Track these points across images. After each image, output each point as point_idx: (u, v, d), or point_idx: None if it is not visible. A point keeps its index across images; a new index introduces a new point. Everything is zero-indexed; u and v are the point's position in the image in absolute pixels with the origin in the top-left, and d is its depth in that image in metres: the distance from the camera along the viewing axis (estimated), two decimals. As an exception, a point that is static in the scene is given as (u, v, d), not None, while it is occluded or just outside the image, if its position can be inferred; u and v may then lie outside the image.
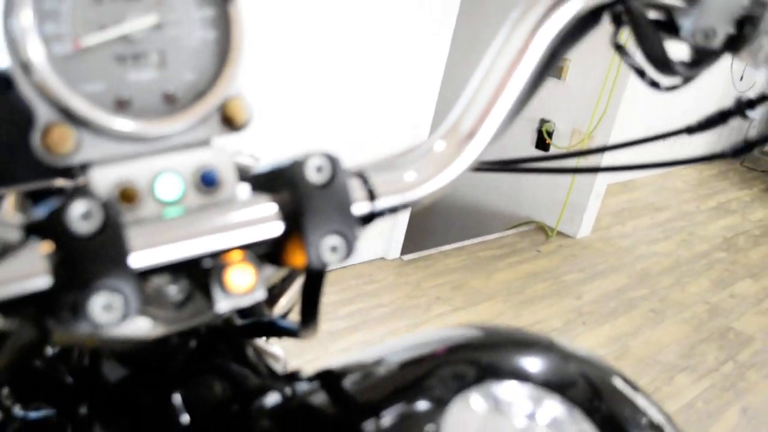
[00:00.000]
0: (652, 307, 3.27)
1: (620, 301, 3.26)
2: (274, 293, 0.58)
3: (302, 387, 0.45)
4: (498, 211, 4.05)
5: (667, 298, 3.38)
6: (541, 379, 0.42)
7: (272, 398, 0.44)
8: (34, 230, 0.33)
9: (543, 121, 3.77)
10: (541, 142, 3.78)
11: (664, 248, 3.94)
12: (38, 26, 0.35)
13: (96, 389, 0.50)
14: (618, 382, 0.47)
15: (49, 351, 0.52)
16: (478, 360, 0.44)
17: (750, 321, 3.34)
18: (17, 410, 0.54)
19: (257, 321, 0.51)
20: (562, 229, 3.82)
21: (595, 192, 3.75)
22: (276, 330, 0.49)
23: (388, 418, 0.40)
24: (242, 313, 0.55)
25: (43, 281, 0.32)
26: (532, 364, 0.44)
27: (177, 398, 0.46)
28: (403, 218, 2.97)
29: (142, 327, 0.40)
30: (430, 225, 4.24)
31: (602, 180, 3.76)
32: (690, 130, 0.60)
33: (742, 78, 5.54)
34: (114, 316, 0.32)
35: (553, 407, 0.40)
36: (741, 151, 0.57)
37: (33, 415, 0.55)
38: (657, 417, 0.45)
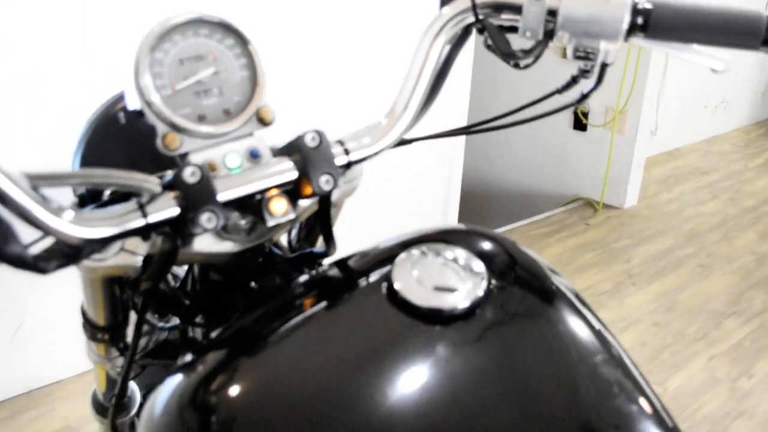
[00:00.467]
0: (700, 262, 3.46)
1: (668, 261, 3.46)
2: (302, 236, 0.88)
3: (322, 269, 0.74)
4: (546, 193, 4.29)
5: (714, 253, 3.56)
6: (471, 248, 0.70)
7: (306, 277, 0.74)
8: (167, 186, 0.63)
9: (578, 103, 4.00)
10: (579, 123, 4.01)
11: (710, 208, 4.11)
12: (153, 82, 0.65)
13: (203, 294, 0.81)
14: (534, 263, 0.73)
15: (171, 279, 0.83)
16: (435, 237, 0.72)
17: (798, 265, 3.50)
18: (157, 323, 0.85)
19: (302, 252, 0.81)
20: (609, 201, 4.03)
21: (636, 164, 3.95)
22: (312, 256, 0.79)
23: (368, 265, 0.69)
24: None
25: (174, 210, 0.62)
26: (472, 242, 0.72)
27: (252, 286, 0.76)
28: (454, 205, 3.23)
29: (227, 246, 0.70)
30: (483, 211, 4.49)
31: (641, 152, 3.96)
32: (558, 91, 0.86)
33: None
34: (212, 225, 0.62)
35: (465, 256, 0.68)
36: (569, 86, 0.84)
37: (167, 325, 0.86)
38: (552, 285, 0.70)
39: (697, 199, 4.24)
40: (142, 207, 0.61)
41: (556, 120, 4.07)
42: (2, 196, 0.53)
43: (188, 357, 0.67)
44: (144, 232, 0.62)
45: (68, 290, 2.18)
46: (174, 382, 0.65)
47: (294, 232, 0.88)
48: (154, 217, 0.61)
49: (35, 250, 0.59)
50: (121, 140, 0.89)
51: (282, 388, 0.61)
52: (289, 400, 0.59)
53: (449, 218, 3.34)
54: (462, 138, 3.14)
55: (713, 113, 5.40)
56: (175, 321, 0.85)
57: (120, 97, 0.89)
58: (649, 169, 4.53)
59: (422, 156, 2.98)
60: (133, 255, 0.68)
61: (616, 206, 4.05)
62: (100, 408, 1.12)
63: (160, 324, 0.85)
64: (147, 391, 0.94)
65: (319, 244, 0.85)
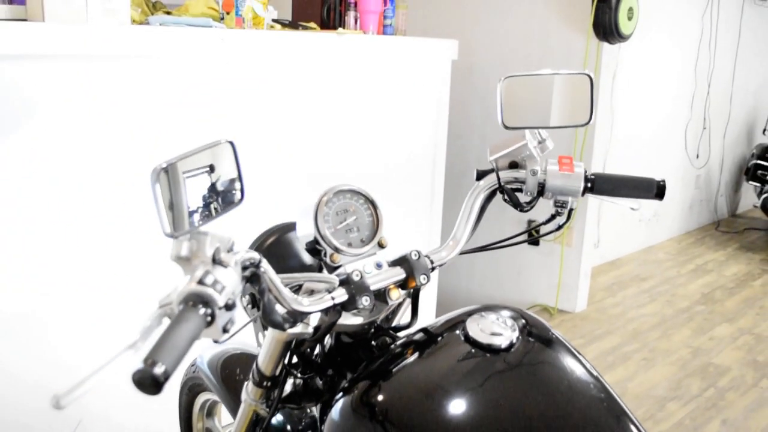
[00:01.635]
0: (643, 356, 4.00)
1: (616, 356, 3.99)
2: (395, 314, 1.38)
3: (415, 330, 1.25)
4: (507, 301, 4.82)
5: (655, 348, 4.11)
6: (506, 313, 1.22)
7: (404, 338, 1.24)
8: (341, 282, 1.14)
9: (530, 222, 4.61)
10: (532, 240, 4.61)
11: (650, 310, 4.69)
12: (325, 224, 1.17)
13: (336, 356, 1.30)
14: (543, 327, 1.25)
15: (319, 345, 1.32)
16: (484, 308, 1.23)
17: (727, 356, 4.06)
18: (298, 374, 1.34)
19: (398, 326, 1.32)
20: (562, 306, 4.59)
21: (583, 272, 4.54)
22: (402, 327, 1.30)
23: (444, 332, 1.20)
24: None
25: (344, 297, 1.13)
26: (507, 311, 1.23)
27: (369, 351, 1.26)
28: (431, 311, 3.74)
29: (358, 320, 1.21)
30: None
31: (587, 262, 4.56)
32: (543, 223, 1.40)
33: (698, 156, 6.42)
34: (368, 303, 1.12)
35: (504, 317, 1.19)
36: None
37: (304, 376, 1.34)
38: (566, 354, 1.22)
39: (638, 302, 4.82)
40: (329, 292, 1.12)
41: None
42: (271, 289, 1.04)
43: (352, 384, 1.16)
44: (327, 309, 1.13)
45: (121, 394, 2.62)
46: (344, 399, 1.14)
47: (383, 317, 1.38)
48: (337, 300, 1.12)
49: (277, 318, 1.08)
50: (284, 252, 1.40)
51: (410, 400, 1.10)
52: (416, 408, 1.09)
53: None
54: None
55: (647, 226, 6.08)
56: (314, 375, 1.34)
57: (288, 225, 1.39)
58: (596, 278, 5.12)
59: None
60: (307, 326, 1.18)
61: (569, 311, 4.60)
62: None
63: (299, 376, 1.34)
64: None
65: (404, 320, 1.36)
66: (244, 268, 1.00)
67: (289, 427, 1.60)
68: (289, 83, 2.93)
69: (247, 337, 1.38)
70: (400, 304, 1.33)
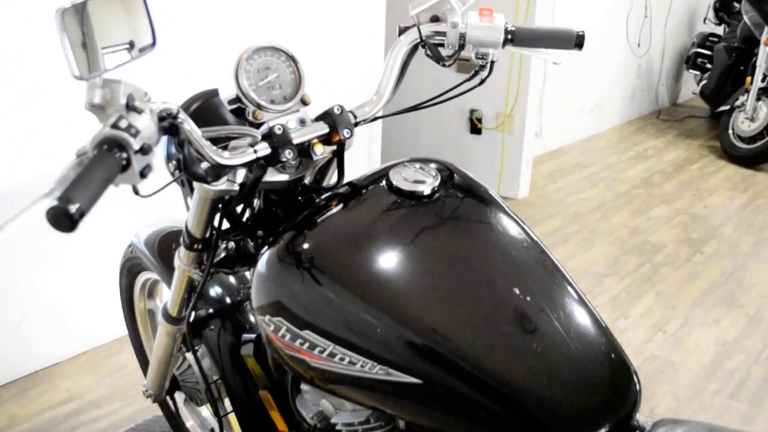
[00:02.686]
0: (583, 237, 4.12)
1: (557, 237, 4.10)
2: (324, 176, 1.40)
3: (342, 184, 1.26)
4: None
5: (595, 229, 4.23)
6: (430, 164, 1.24)
7: (323, 196, 1.26)
8: (263, 137, 1.14)
9: (472, 111, 4.64)
10: (474, 128, 4.64)
11: (591, 194, 4.80)
12: (246, 81, 1.16)
13: (266, 217, 1.32)
14: (467, 176, 1.27)
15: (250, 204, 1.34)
16: (409, 161, 1.25)
17: (663, 234, 4.19)
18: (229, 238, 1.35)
19: (325, 186, 1.33)
20: (505, 194, 4.66)
21: (524, 160, 4.60)
22: (329, 188, 1.32)
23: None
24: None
25: (267, 150, 1.14)
26: (431, 162, 1.25)
27: (297, 210, 1.28)
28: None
29: (284, 177, 1.22)
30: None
31: (528, 150, 4.61)
32: (468, 79, 1.41)
33: (639, 45, 6.45)
34: (291, 156, 1.13)
35: (428, 167, 1.21)
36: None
37: (234, 239, 1.36)
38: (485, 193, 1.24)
39: (579, 188, 4.92)
40: (252, 146, 1.13)
41: (455, 126, 4.69)
42: (191, 141, 1.04)
43: (280, 234, 1.18)
44: (250, 164, 1.13)
45: (64, 284, 2.62)
46: (270, 251, 1.16)
47: (310, 177, 1.40)
48: (260, 153, 1.13)
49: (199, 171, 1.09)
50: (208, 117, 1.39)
51: (335, 247, 1.13)
52: (341, 254, 1.11)
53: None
54: (379, 130, 3.69)
55: (590, 115, 6.14)
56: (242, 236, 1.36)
57: (212, 91, 1.38)
58: (538, 166, 5.20)
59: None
60: (233, 183, 1.19)
61: (511, 197, 4.68)
62: (169, 318, 1.59)
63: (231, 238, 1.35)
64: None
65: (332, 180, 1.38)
66: (162, 119, 1.00)
67: (223, 293, 1.63)
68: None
69: (184, 214, 1.39)
70: (327, 166, 1.34)
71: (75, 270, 2.75)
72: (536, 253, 1.17)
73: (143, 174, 0.92)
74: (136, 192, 1.06)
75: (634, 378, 1.10)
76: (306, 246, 1.13)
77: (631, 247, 4.01)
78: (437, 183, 1.18)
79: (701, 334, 3.14)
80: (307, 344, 1.10)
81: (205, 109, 1.34)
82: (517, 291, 1.09)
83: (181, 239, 1.38)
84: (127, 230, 1.98)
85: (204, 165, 1.09)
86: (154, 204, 2.23)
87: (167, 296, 1.59)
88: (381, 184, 1.20)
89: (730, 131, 5.59)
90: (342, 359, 1.07)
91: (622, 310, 3.32)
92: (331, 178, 1.36)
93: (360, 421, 1.22)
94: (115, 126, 0.90)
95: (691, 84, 7.17)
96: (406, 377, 1.03)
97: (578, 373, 1.04)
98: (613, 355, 1.09)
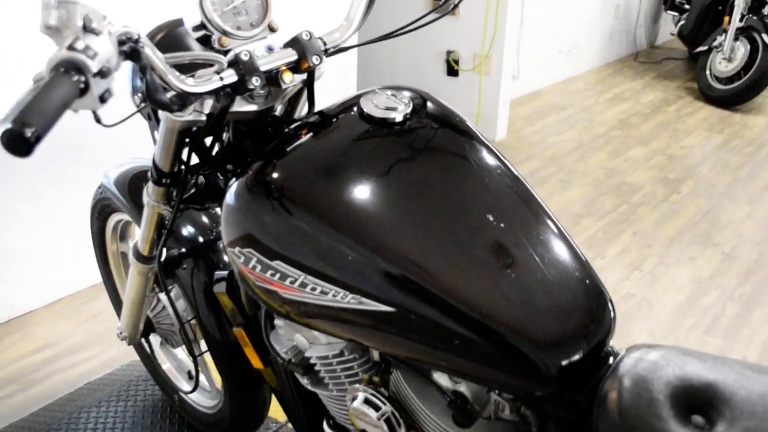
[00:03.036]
0: (560, 178, 4.11)
1: (534, 179, 4.09)
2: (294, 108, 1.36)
3: (314, 113, 1.23)
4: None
5: (572, 171, 4.22)
6: (403, 91, 1.21)
7: (293, 126, 1.23)
8: (229, 63, 1.11)
9: (449, 53, 4.58)
10: (451, 70, 4.59)
11: (568, 136, 4.78)
12: (212, 7, 1.12)
13: (236, 151, 1.28)
14: (443, 105, 1.24)
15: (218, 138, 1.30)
16: (381, 88, 1.22)
17: (640, 175, 4.19)
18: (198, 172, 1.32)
19: (293, 119, 1.30)
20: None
21: (502, 101, 4.56)
22: (300, 119, 1.28)
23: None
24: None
25: (234, 77, 1.10)
26: (403, 90, 1.22)
27: (267, 136, 1.25)
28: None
29: (253, 107, 1.19)
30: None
31: (506, 91, 4.57)
32: (441, 5, 1.37)
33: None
34: (259, 83, 1.10)
35: (400, 94, 1.18)
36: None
37: (204, 172, 1.33)
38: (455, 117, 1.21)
39: (557, 130, 4.90)
40: (218, 73, 1.09)
41: (431, 68, 4.64)
42: (153, 67, 1.00)
43: (248, 165, 1.15)
44: (217, 92, 1.10)
45: (37, 232, 2.58)
46: (238, 182, 1.13)
47: (281, 109, 1.36)
48: (226, 80, 1.09)
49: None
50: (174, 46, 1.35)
51: (305, 175, 1.10)
52: (311, 182, 1.09)
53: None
54: (354, 70, 3.64)
55: (567, 58, 6.09)
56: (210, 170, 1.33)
57: (177, 21, 1.33)
58: (515, 109, 5.17)
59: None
60: (200, 114, 1.16)
61: (488, 139, 4.64)
62: (140, 257, 1.56)
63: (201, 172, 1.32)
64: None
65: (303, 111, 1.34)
66: (122, 43, 0.96)
67: (196, 231, 1.60)
68: None
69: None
70: (298, 97, 1.31)
71: (48, 217, 2.70)
72: (510, 181, 1.14)
73: (103, 99, 0.88)
74: (98, 120, 1.03)
75: (609, 305, 1.09)
76: (275, 175, 1.11)
77: (608, 187, 4.01)
78: (409, 110, 1.16)
79: (677, 272, 3.16)
80: (278, 275, 1.08)
81: (170, 38, 1.29)
82: (491, 218, 1.07)
83: (149, 174, 1.35)
84: (100, 174, 1.94)
85: (169, 94, 1.05)
86: (125, 143, 2.18)
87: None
88: (351, 112, 1.17)
89: (708, 72, 5.58)
90: (313, 289, 1.05)
91: (599, 250, 3.33)
92: (302, 110, 1.33)
93: (334, 354, 1.21)
94: (71, 48, 0.86)
95: (669, 25, 7.13)
96: (378, 306, 1.02)
97: (553, 299, 1.03)
98: (587, 282, 1.08)
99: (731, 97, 5.36)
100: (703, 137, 4.83)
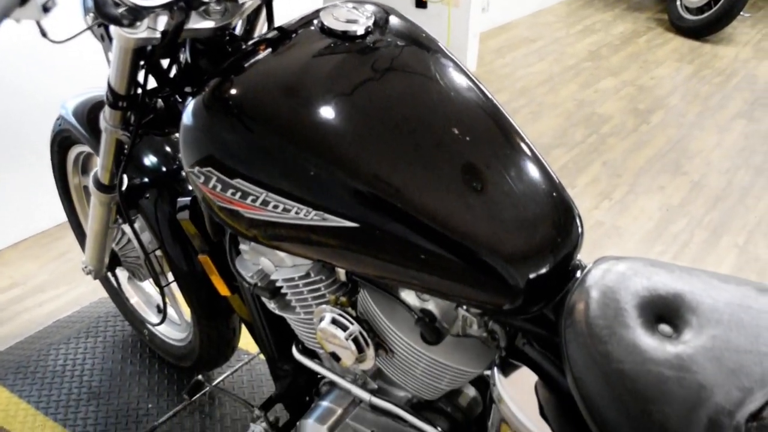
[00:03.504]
0: (531, 110, 4.09)
1: (505, 111, 4.05)
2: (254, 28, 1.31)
3: (274, 29, 1.19)
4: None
5: (543, 102, 4.20)
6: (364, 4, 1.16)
7: (251, 42, 1.19)
8: None
9: (418, -16, 4.51)
10: (419, 1, 4.52)
11: (538, 68, 4.74)
12: None
13: (194, 72, 1.24)
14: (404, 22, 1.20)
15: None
16: (343, 3, 1.18)
17: (610, 106, 4.18)
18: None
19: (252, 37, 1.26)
20: (452, 69, 4.58)
21: (471, 34, 4.50)
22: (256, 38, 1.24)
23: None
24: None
25: None
26: (365, 4, 1.18)
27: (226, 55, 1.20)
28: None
29: (209, 23, 1.14)
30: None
31: (475, 24, 4.51)
32: None
33: None
34: (211, 2, 1.05)
35: (362, 8, 1.14)
36: None
37: (162, 94, 1.29)
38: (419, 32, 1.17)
39: (527, 62, 4.86)
40: None
41: (399, 1, 4.56)
42: None
43: (206, 84, 1.11)
44: (170, 6, 1.05)
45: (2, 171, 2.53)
46: (196, 99, 1.10)
47: (240, 28, 1.31)
48: None
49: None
50: None
51: (265, 91, 1.07)
52: (272, 98, 1.05)
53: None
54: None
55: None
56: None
57: None
58: (485, 42, 5.11)
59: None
60: (154, 31, 1.11)
61: (459, 73, 4.60)
62: (101, 186, 1.53)
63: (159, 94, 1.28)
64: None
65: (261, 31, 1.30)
66: None
67: (158, 161, 1.57)
68: None
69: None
70: (257, 15, 1.26)
71: (10, 156, 2.64)
72: (476, 96, 1.12)
73: (46, 8, 0.84)
74: (44, 34, 0.98)
75: (577, 220, 1.08)
76: (233, 92, 1.07)
77: (579, 119, 3.99)
78: (371, 23, 1.12)
79: (646, 201, 3.18)
80: (239, 194, 1.05)
81: None
82: (457, 132, 1.05)
83: (105, 97, 1.30)
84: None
85: (120, 8, 1.01)
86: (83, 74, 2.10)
87: (101, 167, 1.52)
88: (311, 26, 1.13)
89: (678, 2, 5.53)
90: (276, 207, 1.03)
91: (569, 180, 3.33)
92: (262, 29, 1.29)
93: (300, 276, 1.19)
94: None
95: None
96: (342, 221, 1.00)
97: (520, 212, 1.01)
98: (555, 195, 1.06)
99: (701, 28, 5.34)
100: (673, 68, 4.82)
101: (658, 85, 4.50)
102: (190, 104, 1.10)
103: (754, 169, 3.45)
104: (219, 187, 1.06)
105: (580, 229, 1.07)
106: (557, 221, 1.05)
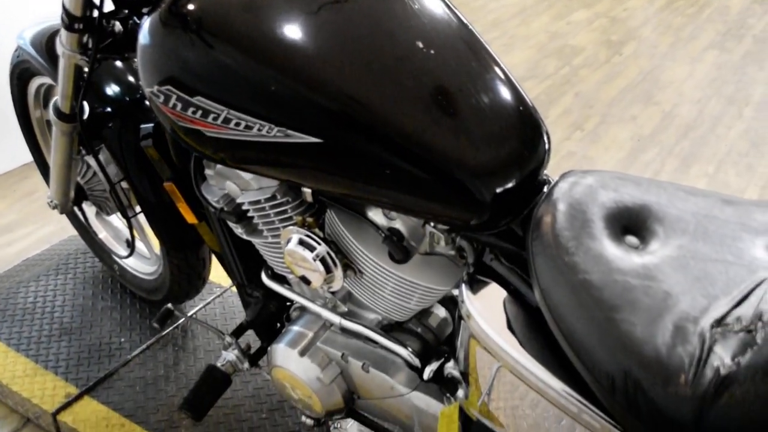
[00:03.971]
0: (503, 42, 4.05)
1: (477, 44, 4.01)
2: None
3: None
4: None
5: (515, 35, 4.16)
6: None
7: None
8: None
9: None
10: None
11: (511, 1, 4.69)
12: None
13: None
14: None
15: None
16: None
17: (583, 38, 4.15)
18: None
19: None
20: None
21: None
22: None
23: None
24: None
25: None
26: None
27: None
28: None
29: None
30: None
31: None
32: None
33: None
34: None
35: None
36: None
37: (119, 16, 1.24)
38: None
39: (499, -5, 4.81)
40: None
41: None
42: None
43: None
44: None
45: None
46: (152, 16, 1.06)
47: None
48: None
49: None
50: None
51: (226, 6, 1.02)
52: (233, 14, 1.01)
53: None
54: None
55: None
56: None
57: None
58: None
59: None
60: None
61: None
62: (61, 114, 1.49)
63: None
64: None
65: None
66: None
67: (121, 90, 1.53)
68: None
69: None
70: None
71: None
72: (442, 11, 1.09)
73: None
74: None
75: (544, 135, 1.07)
76: (190, 7, 1.03)
77: (551, 51, 3.96)
78: None
79: (618, 131, 3.17)
80: (200, 112, 1.02)
81: None
82: (421, 45, 1.02)
83: (60, 19, 1.26)
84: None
85: None
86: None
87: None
88: None
89: (651, -68, 5.47)
90: (237, 124, 1.00)
91: (542, 111, 3.26)
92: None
93: (266, 198, 1.17)
94: None
95: None
96: (306, 137, 0.98)
97: (486, 125, 1.00)
98: (521, 108, 1.05)
99: (674, -42, 5.29)
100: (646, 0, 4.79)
101: (630, 17, 4.47)
102: (146, 22, 1.06)
103: (726, 98, 3.45)
104: (179, 105, 1.03)
105: (547, 145, 1.06)
106: (524, 136, 1.03)
